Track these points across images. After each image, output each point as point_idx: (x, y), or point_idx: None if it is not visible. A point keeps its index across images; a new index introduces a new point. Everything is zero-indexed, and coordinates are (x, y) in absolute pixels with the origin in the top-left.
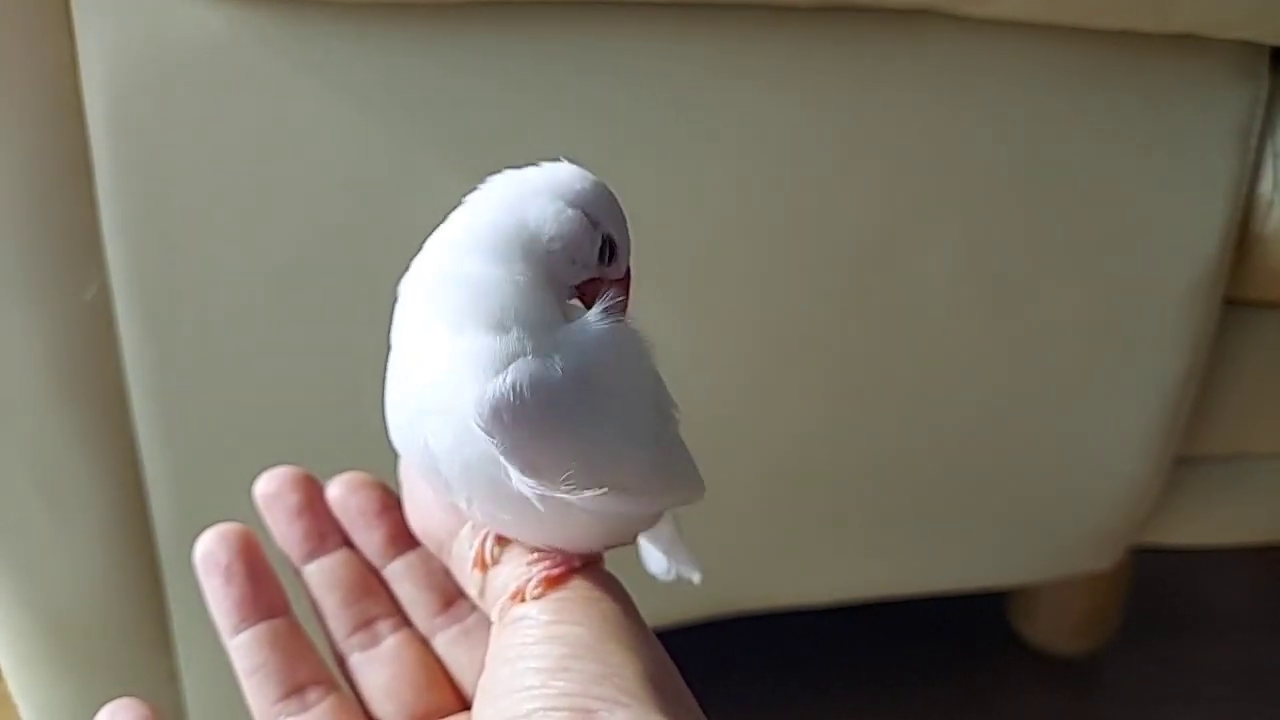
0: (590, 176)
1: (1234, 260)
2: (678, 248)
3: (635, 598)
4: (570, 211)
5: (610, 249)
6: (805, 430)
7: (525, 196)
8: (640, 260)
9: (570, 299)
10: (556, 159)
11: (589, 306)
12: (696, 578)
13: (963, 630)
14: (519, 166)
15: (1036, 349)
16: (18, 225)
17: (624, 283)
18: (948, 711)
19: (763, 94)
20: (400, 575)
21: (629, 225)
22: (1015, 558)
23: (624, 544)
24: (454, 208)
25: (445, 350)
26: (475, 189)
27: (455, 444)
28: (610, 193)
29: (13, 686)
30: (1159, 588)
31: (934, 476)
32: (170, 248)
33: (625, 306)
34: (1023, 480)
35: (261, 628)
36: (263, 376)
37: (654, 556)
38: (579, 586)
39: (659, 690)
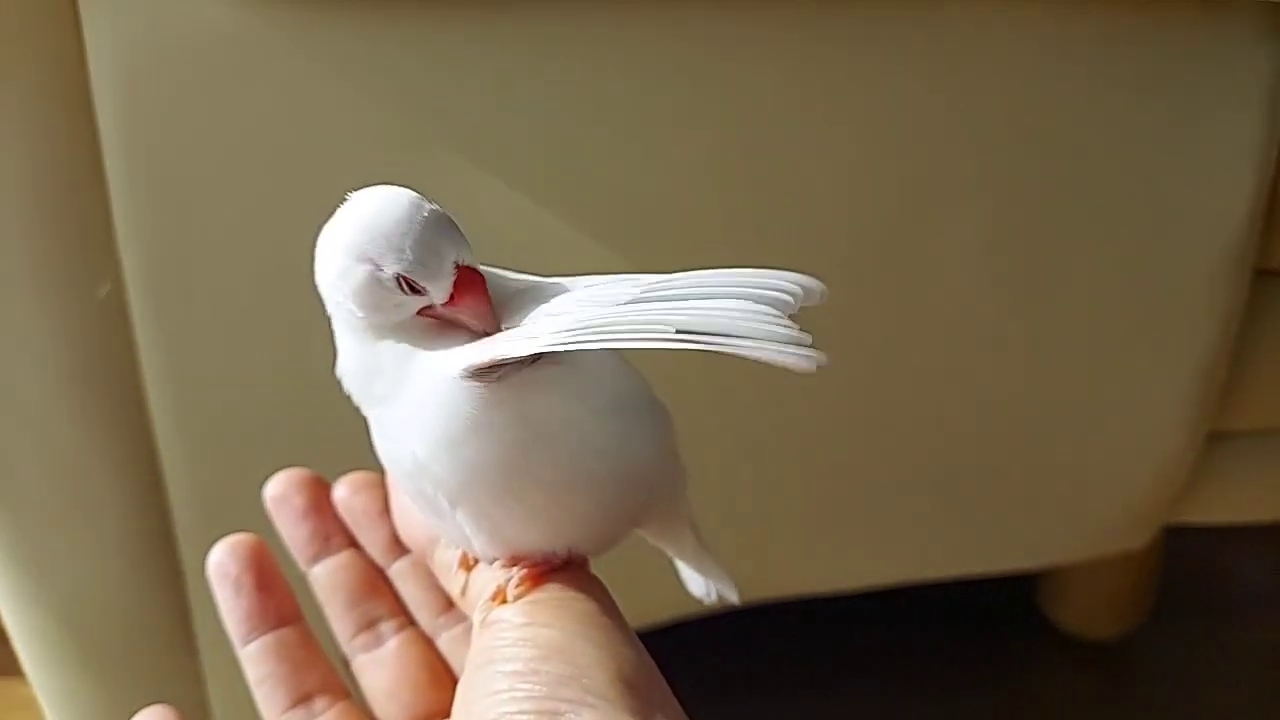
0: (377, 213)
1: (1263, 228)
2: (692, 234)
3: (664, 591)
4: (351, 266)
5: (408, 284)
6: (829, 412)
7: (325, 257)
8: (657, 248)
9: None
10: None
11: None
12: (734, 597)
13: (991, 616)
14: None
15: (1063, 324)
16: (29, 223)
17: (464, 296)
18: (978, 699)
19: (776, 74)
20: (404, 575)
21: (459, 227)
22: (1045, 538)
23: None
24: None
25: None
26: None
27: (434, 491)
28: (402, 219)
29: (37, 688)
30: (1192, 568)
31: (962, 457)
32: (183, 241)
33: (482, 317)
34: (1052, 459)
35: (269, 638)
36: (278, 369)
37: (693, 579)
38: (554, 588)
39: (631, 690)
